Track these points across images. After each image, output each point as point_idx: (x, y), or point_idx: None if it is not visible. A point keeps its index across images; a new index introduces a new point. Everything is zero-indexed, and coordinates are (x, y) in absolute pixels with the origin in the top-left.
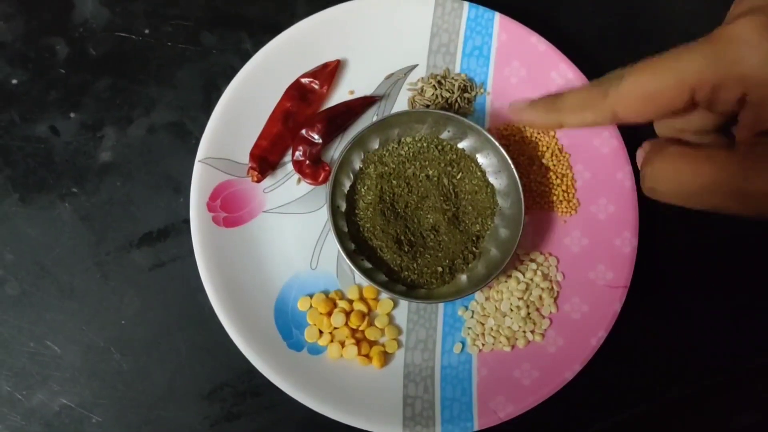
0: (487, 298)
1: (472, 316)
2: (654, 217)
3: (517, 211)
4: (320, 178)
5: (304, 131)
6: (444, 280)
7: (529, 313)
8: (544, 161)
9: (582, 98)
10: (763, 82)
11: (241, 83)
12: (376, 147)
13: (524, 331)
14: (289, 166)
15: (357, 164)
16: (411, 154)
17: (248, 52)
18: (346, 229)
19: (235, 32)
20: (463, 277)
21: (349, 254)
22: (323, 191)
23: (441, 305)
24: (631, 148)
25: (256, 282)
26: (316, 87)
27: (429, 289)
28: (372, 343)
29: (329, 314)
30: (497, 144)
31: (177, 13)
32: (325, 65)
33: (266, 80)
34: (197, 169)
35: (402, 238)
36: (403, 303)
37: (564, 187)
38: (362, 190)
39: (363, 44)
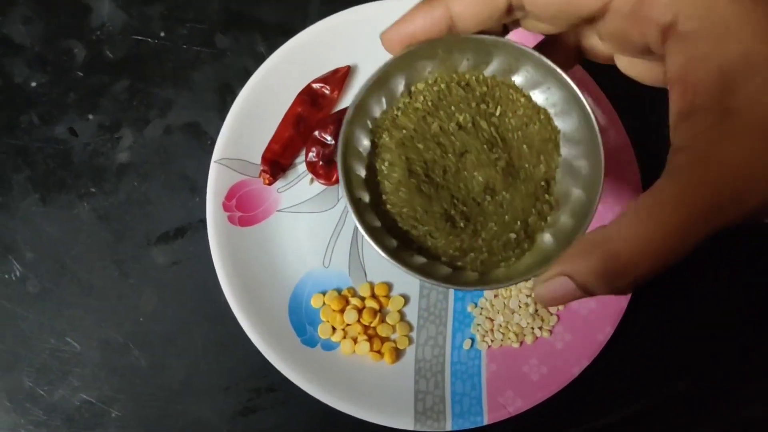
0: (495, 296)
1: (481, 313)
2: None
3: (594, 160)
4: (333, 178)
5: (317, 132)
6: (523, 248)
7: (537, 310)
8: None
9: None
10: None
11: (255, 86)
12: (384, 110)
13: (532, 328)
14: (302, 167)
15: (365, 140)
16: (430, 103)
17: (262, 54)
18: (378, 224)
19: (248, 34)
20: (547, 237)
21: (395, 254)
22: (336, 190)
23: (450, 300)
24: (637, 148)
25: (270, 279)
26: (327, 92)
27: (508, 265)
28: (384, 340)
29: (342, 311)
30: (560, 72)
31: (192, 16)
32: (336, 71)
33: (279, 83)
34: (213, 169)
35: (453, 212)
36: (414, 300)
37: None
38: (383, 168)
39: (374, 49)
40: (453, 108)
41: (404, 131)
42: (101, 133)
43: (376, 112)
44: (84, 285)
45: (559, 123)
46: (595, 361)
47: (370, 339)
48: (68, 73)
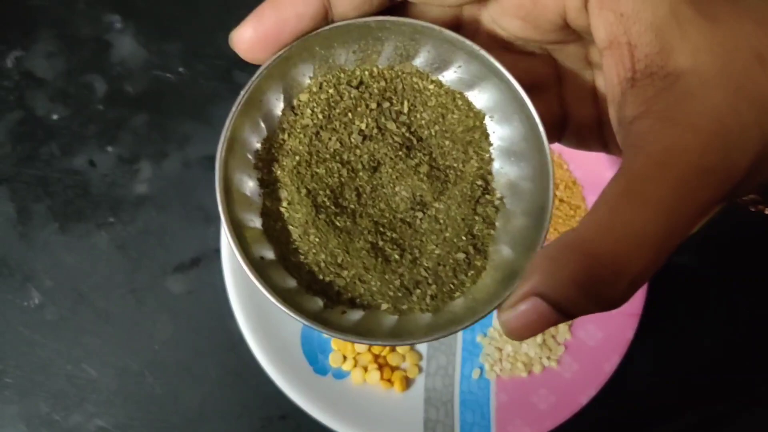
0: None
1: (490, 343)
2: None
3: (540, 184)
4: None
5: None
6: (477, 268)
7: (544, 340)
8: (558, 193)
9: None
10: None
11: None
12: (265, 137)
13: (540, 357)
14: None
15: (250, 181)
16: (320, 116)
17: None
18: (292, 283)
19: None
20: (502, 247)
21: (320, 318)
22: None
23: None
24: None
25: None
26: None
27: (464, 293)
28: (394, 369)
29: None
30: (494, 63)
31: (211, 52)
32: None
33: None
34: None
35: (381, 243)
36: None
37: (578, 219)
38: (282, 210)
39: None
40: (350, 115)
41: (297, 157)
42: (120, 165)
43: (255, 142)
44: (101, 313)
45: (498, 131)
46: (603, 390)
47: (380, 368)
48: (89, 106)
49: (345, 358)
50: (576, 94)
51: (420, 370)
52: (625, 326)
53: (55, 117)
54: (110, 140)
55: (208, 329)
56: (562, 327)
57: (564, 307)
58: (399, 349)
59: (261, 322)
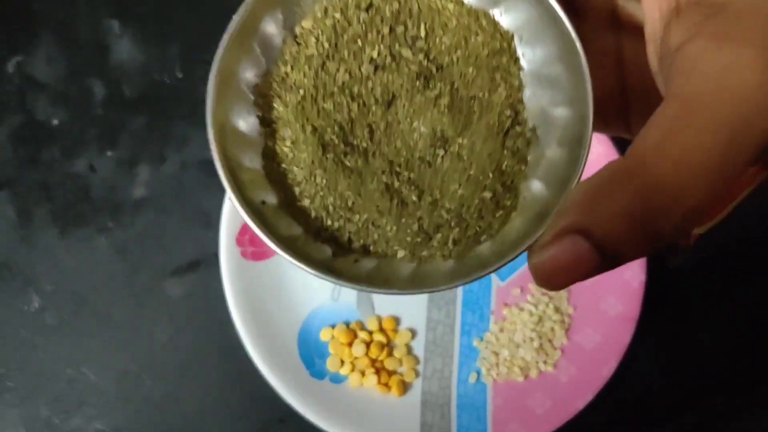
0: (501, 330)
1: (486, 347)
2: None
3: (578, 110)
4: None
5: None
6: (506, 207)
7: (541, 344)
8: None
9: None
10: None
11: None
12: (265, 70)
13: (537, 362)
14: None
15: (250, 117)
16: (326, 44)
17: None
18: (298, 230)
19: None
20: (535, 184)
21: (328, 267)
22: None
23: (457, 334)
24: None
25: (280, 313)
26: None
27: (492, 237)
28: (391, 373)
29: (350, 344)
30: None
31: (209, 56)
32: None
33: None
34: (227, 204)
35: (397, 185)
36: (421, 334)
37: None
38: (285, 149)
39: None
40: (359, 42)
41: (301, 92)
42: (119, 168)
43: (252, 75)
44: (101, 316)
45: (528, 54)
46: (600, 395)
47: (377, 372)
48: (88, 110)
49: (342, 362)
50: (597, 61)
51: (417, 374)
52: (623, 330)
53: (55, 121)
54: (110, 144)
55: (207, 332)
56: (559, 332)
57: (610, 245)
58: (396, 353)
59: (258, 326)
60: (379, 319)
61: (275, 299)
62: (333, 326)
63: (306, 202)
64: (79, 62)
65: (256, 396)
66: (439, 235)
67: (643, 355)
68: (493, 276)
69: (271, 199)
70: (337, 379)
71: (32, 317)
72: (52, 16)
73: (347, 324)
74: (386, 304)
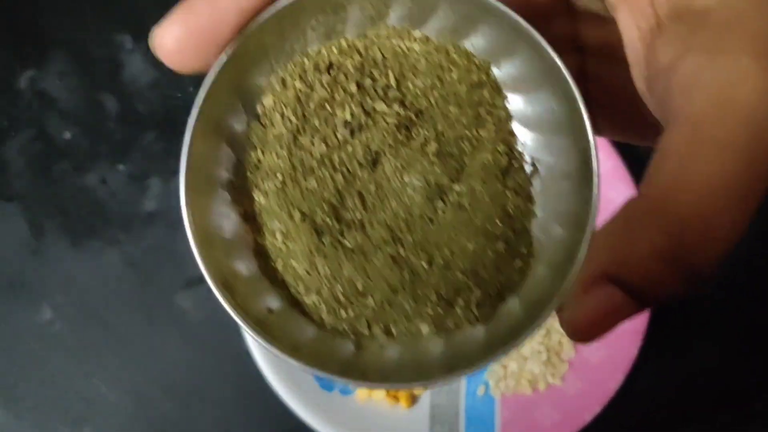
0: None
1: None
2: None
3: (572, 123)
4: None
5: None
6: (522, 256)
7: (549, 357)
8: None
9: None
10: None
11: None
12: (234, 161)
13: (545, 375)
14: None
15: (229, 220)
16: (293, 118)
17: None
18: (310, 333)
19: None
20: (545, 224)
21: (355, 367)
22: None
23: None
24: None
25: None
26: None
27: (516, 290)
28: None
29: None
30: (513, 15)
31: None
32: None
33: None
34: None
35: (403, 253)
36: None
37: None
38: (277, 244)
39: None
40: (328, 107)
41: (279, 176)
42: (130, 182)
43: (224, 172)
44: (112, 329)
45: (521, 106)
46: (607, 407)
47: None
48: (100, 125)
49: None
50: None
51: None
52: (630, 344)
53: (67, 136)
54: (121, 158)
55: (217, 345)
56: (567, 344)
57: (644, 289)
58: None
59: None
60: None
61: None
62: None
63: (314, 298)
64: (91, 77)
65: (266, 407)
66: (460, 300)
67: (649, 368)
68: None
69: (276, 302)
70: (346, 391)
71: (44, 329)
72: (65, 32)
73: None
74: None
